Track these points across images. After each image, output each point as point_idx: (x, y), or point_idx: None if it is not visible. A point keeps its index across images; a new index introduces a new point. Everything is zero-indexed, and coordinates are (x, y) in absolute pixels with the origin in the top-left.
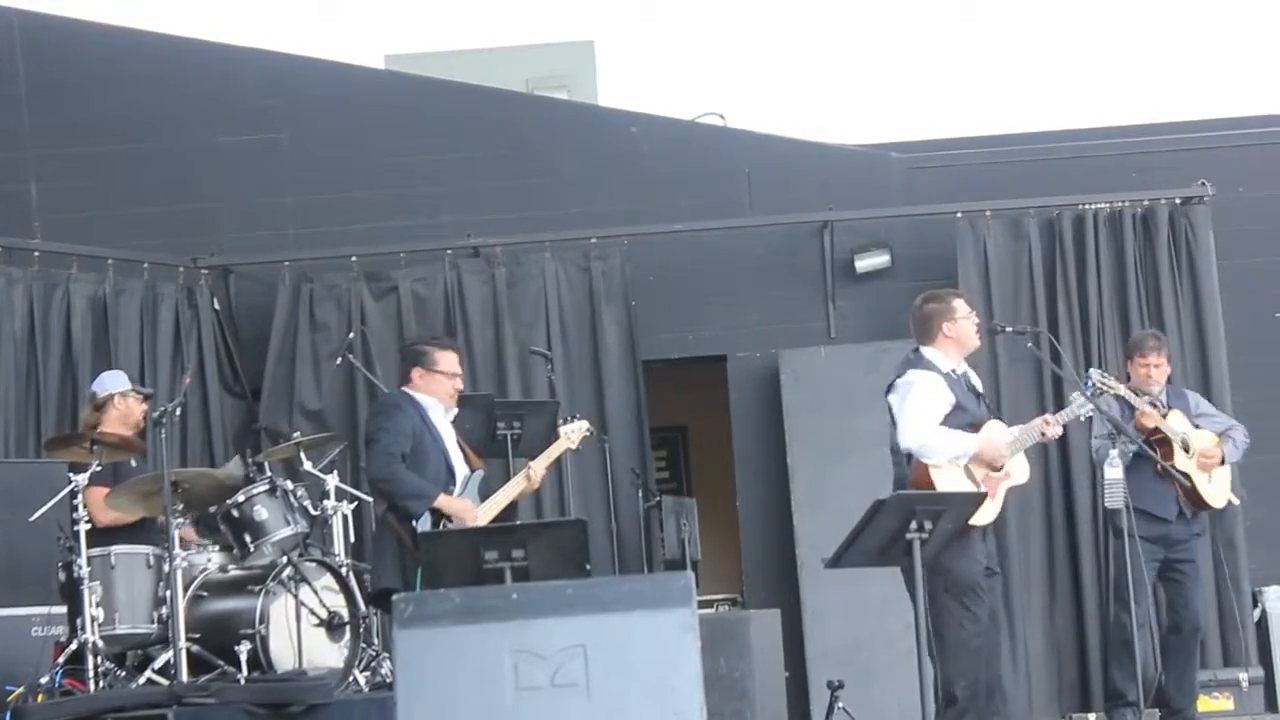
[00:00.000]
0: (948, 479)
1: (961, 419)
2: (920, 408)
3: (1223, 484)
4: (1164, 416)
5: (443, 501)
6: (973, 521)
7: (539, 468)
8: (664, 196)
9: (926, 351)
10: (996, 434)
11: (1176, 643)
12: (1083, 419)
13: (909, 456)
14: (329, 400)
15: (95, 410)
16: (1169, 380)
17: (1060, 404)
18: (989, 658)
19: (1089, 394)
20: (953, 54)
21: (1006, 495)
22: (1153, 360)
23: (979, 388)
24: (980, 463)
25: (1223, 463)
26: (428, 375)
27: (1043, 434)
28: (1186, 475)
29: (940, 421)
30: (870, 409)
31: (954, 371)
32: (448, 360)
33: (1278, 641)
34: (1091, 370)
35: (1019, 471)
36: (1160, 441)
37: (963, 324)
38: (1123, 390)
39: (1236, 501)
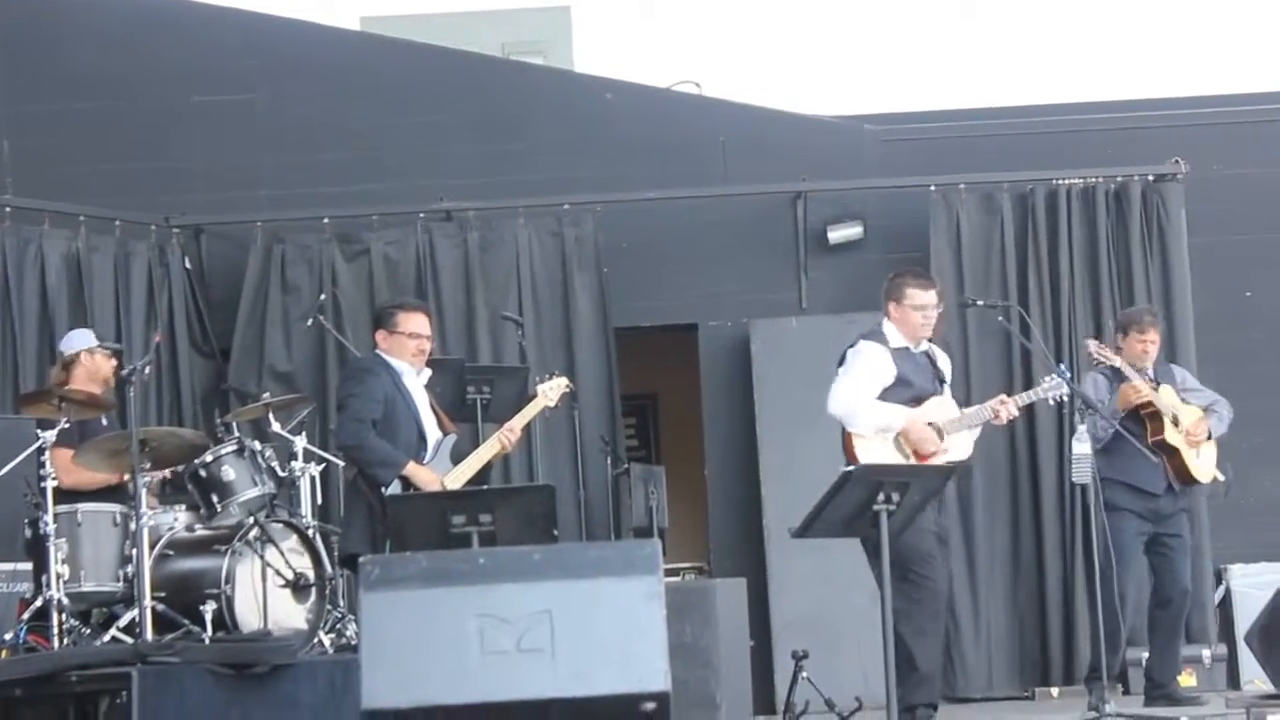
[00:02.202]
0: (871, 450)
1: (904, 393)
2: (853, 377)
3: (1210, 459)
4: (1155, 390)
5: (411, 470)
6: None
7: (516, 427)
8: (638, 164)
9: (884, 324)
10: (932, 414)
11: (1165, 616)
12: (1052, 402)
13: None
14: (299, 362)
15: (63, 369)
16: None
17: (1029, 379)
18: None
19: (1067, 376)
20: (929, 27)
21: (968, 468)
22: (1150, 337)
23: (940, 366)
24: (908, 441)
25: (1209, 438)
26: (390, 337)
27: (995, 414)
28: (1175, 450)
29: (879, 394)
30: None
31: (909, 348)
32: (411, 321)
33: (1241, 619)
34: (1089, 341)
35: (959, 448)
36: (1151, 416)
37: (907, 310)
38: (1118, 362)
39: (1222, 478)
